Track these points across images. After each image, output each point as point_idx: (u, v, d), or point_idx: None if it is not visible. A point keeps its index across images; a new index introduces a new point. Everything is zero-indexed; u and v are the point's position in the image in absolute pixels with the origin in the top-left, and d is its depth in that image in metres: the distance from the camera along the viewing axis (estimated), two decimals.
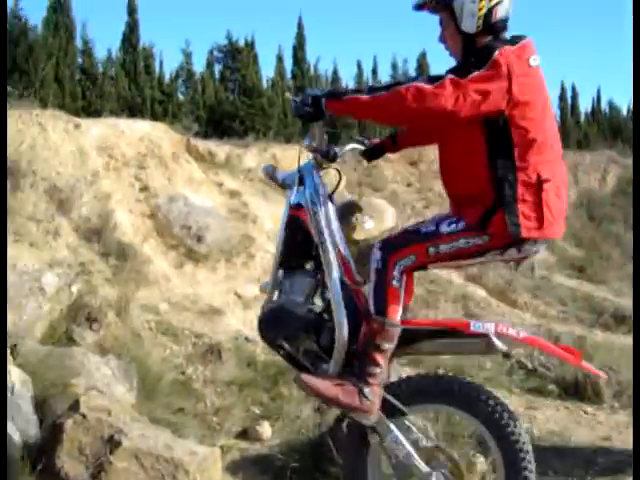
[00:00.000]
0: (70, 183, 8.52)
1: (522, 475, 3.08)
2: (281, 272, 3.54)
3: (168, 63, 47.26)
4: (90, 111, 15.76)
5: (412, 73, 23.02)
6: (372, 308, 3.24)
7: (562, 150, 3.27)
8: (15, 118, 8.81)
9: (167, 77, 19.69)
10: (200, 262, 9.12)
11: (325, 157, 3.50)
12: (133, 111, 16.48)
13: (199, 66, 22.17)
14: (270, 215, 10.43)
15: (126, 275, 7.90)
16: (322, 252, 3.35)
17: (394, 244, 3.29)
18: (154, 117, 15.55)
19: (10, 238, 7.44)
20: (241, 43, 20.84)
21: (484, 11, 3.05)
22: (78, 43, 17.90)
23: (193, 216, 9.35)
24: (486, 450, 3.67)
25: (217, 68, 20.99)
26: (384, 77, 24.00)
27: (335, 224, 3.44)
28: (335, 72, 22.52)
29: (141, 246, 8.68)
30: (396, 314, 3.21)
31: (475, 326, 3.16)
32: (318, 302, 3.48)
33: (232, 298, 8.97)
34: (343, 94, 3.19)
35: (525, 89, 3.01)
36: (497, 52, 2.98)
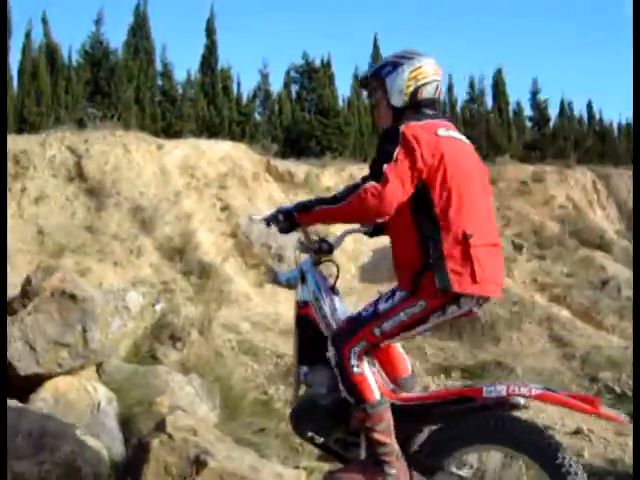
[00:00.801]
0: (153, 203, 8.65)
1: None
2: (304, 368, 3.56)
3: (246, 84, 48.13)
4: (170, 132, 16.02)
5: (489, 90, 22.86)
6: (351, 400, 3.27)
7: (493, 217, 3.42)
8: (99, 139, 9.01)
9: (245, 98, 19.92)
10: None
11: (320, 252, 3.62)
12: (212, 132, 16.67)
13: (276, 86, 22.33)
14: (350, 235, 10.37)
15: (208, 294, 7.95)
16: (332, 355, 3.34)
17: (342, 335, 3.31)
18: (232, 137, 15.68)
19: (95, 257, 7.57)
20: (317, 63, 20.96)
21: (411, 89, 3.35)
22: (158, 66, 18.28)
23: (273, 236, 9.36)
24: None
25: (294, 88, 21.15)
26: (460, 95, 23.85)
27: (340, 313, 3.48)
28: None
29: (222, 265, 8.74)
30: (373, 396, 3.22)
31: (488, 392, 3.14)
32: (342, 388, 3.37)
33: None
34: (312, 207, 3.35)
35: (437, 151, 3.18)
36: (402, 129, 3.20)
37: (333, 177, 12.90)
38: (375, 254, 10.96)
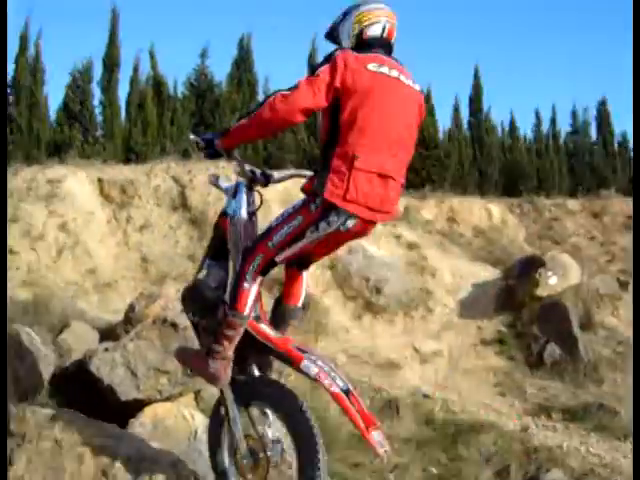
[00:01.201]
0: None
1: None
2: (209, 260, 4.04)
3: None
4: (271, 163, 16.25)
5: (592, 122, 22.30)
6: (227, 301, 3.69)
7: (408, 154, 3.64)
8: (203, 170, 9.18)
9: None
10: (378, 314, 9.07)
11: (254, 182, 3.96)
12: (312, 162, 16.83)
13: None
14: (449, 268, 10.26)
15: (306, 325, 7.94)
16: (230, 256, 3.85)
17: (247, 249, 3.69)
18: None
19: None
20: None
21: (356, 31, 3.70)
22: (260, 97, 18.59)
23: (372, 268, 9.34)
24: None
25: None
26: (563, 126, 23.31)
27: (243, 235, 3.83)
28: (512, 122, 22.11)
29: (321, 297, 8.74)
30: (243, 309, 3.60)
31: (304, 365, 3.51)
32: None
33: (410, 352, 8.84)
34: (228, 128, 3.68)
35: (358, 84, 3.44)
36: (337, 52, 3.52)
37: (433, 210, 12.80)
38: (475, 288, 10.77)
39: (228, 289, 3.74)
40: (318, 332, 8.02)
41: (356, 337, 8.56)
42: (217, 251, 4.00)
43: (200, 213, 8.45)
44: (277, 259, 3.63)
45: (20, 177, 10.09)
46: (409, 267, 10.13)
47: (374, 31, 3.71)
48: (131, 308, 6.48)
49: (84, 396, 4.69)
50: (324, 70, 3.45)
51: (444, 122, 21.12)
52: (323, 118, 3.55)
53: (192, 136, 3.87)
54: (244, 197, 3.91)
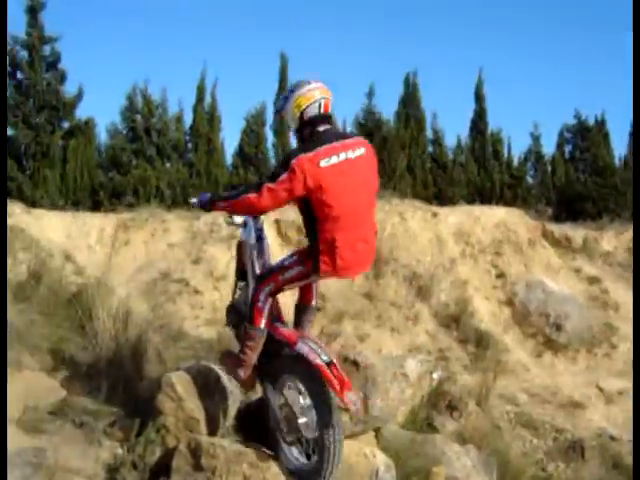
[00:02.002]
0: (429, 270, 8.75)
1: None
2: (241, 283, 5.07)
3: (516, 147, 47.52)
4: (441, 198, 16.21)
5: None
6: (247, 317, 4.65)
7: (367, 221, 4.37)
8: (377, 208, 9.29)
9: (516, 161, 19.68)
10: (559, 352, 8.80)
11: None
12: (483, 196, 16.65)
13: (548, 148, 21.82)
14: (633, 302, 9.78)
15: (484, 363, 7.84)
16: (248, 272, 4.92)
17: (260, 277, 4.72)
18: (504, 201, 15.53)
19: (373, 323, 7.75)
20: (591, 121, 20.30)
21: (297, 115, 4.38)
22: (428, 133, 18.66)
23: (551, 304, 9.08)
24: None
25: (567, 149, 20.56)
26: None
27: (257, 263, 4.88)
28: None
29: (499, 334, 8.60)
30: (259, 323, 4.55)
31: (298, 347, 4.37)
32: None
33: (594, 391, 8.49)
34: (218, 200, 4.61)
35: (317, 182, 4.13)
36: (293, 161, 4.15)
37: (612, 241, 12.30)
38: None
39: (247, 309, 4.69)
40: (497, 371, 7.85)
41: (536, 375, 8.32)
42: (240, 272, 5.04)
43: (376, 251, 8.52)
44: (285, 288, 4.61)
45: (202, 221, 10.59)
46: (590, 302, 9.78)
47: (312, 111, 4.38)
48: None
49: (267, 432, 4.84)
50: (284, 179, 4.17)
51: (620, 149, 20.35)
52: (299, 212, 4.37)
53: (191, 200, 4.95)
54: (252, 226, 4.95)
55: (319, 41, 49.07)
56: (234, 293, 5.10)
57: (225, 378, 5.60)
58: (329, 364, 4.19)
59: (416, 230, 9.27)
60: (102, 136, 18.35)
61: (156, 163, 17.01)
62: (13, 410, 5.33)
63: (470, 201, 15.20)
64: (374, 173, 4.44)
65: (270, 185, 4.19)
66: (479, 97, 19.16)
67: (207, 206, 4.73)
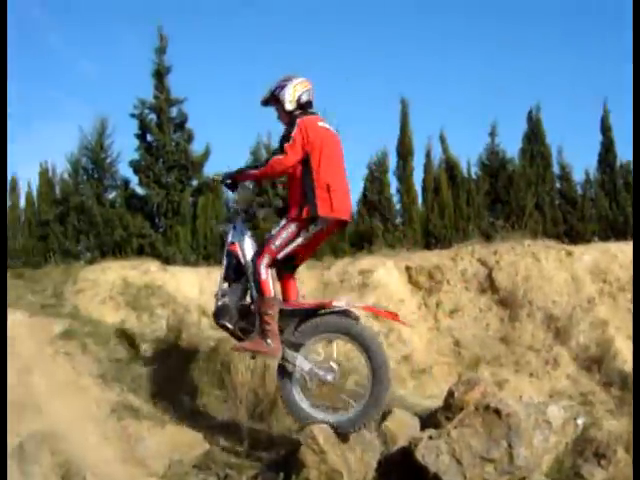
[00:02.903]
0: (566, 311, 8.50)
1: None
2: (225, 285, 5.71)
3: None
4: (572, 235, 15.77)
5: None
6: (256, 294, 5.44)
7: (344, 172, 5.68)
8: (508, 250, 9.15)
9: None
10: None
11: (246, 215, 5.95)
12: (616, 231, 16.07)
13: None
14: None
15: (631, 407, 7.46)
16: (246, 269, 5.57)
17: (255, 255, 5.53)
18: None
19: (511, 368, 7.58)
20: None
21: (295, 97, 5.60)
22: (555, 169, 18.21)
23: None
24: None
25: None
26: None
27: (251, 253, 5.62)
28: None
29: None
30: (269, 292, 5.35)
31: (336, 304, 5.34)
32: (248, 299, 5.65)
33: None
34: (245, 170, 5.77)
35: (316, 139, 5.41)
36: (299, 122, 5.43)
37: None
38: None
39: (252, 284, 5.48)
40: None
41: None
42: (234, 273, 5.65)
43: (509, 294, 8.40)
44: (279, 257, 5.43)
45: (333, 270, 10.70)
46: None
47: (305, 97, 5.70)
48: (450, 394, 6.52)
49: None
50: (296, 134, 5.38)
51: None
52: (300, 165, 5.44)
53: (213, 175, 6.05)
54: (243, 227, 5.78)
55: (438, 83, 49.08)
56: (219, 299, 5.68)
57: (365, 429, 5.60)
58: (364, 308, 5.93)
59: (550, 270, 9.04)
60: (229, 192, 18.92)
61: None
62: (158, 465, 5.50)
63: (603, 237, 14.73)
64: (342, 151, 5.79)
65: (289, 144, 5.38)
66: (605, 128, 18.59)
67: (232, 178, 5.78)
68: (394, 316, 5.80)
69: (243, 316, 5.56)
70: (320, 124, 5.58)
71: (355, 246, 16.70)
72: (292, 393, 5.39)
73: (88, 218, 17.81)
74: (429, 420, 6.61)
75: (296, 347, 5.36)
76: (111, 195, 18.82)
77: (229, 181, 5.79)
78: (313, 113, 5.69)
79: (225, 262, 5.74)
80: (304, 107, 5.67)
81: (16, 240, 18.39)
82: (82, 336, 7.31)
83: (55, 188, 19.26)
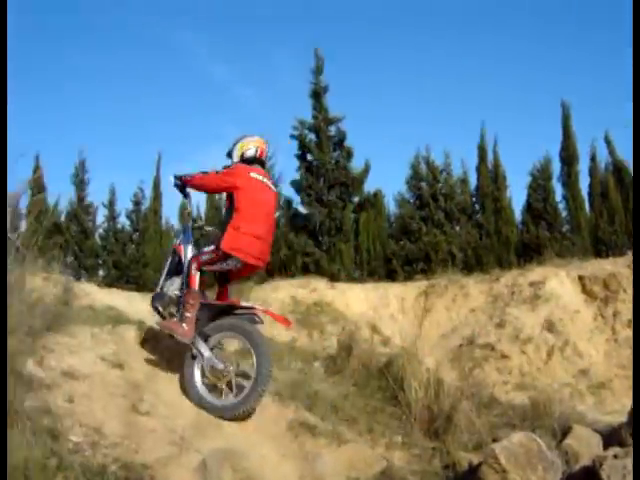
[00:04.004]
0: None
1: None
2: (167, 279, 6.45)
3: None
4: None
5: None
6: (185, 285, 6.20)
7: (270, 227, 6.27)
8: None
9: None
10: None
11: (196, 225, 6.89)
12: None
13: None
14: None
15: None
16: (184, 266, 6.32)
17: (191, 260, 6.24)
18: None
19: None
20: None
21: (239, 154, 6.37)
22: None
23: None
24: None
25: None
26: None
27: (190, 255, 6.35)
28: None
29: None
30: (194, 286, 6.07)
31: (243, 305, 6.14)
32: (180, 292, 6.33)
33: None
34: (191, 174, 6.44)
35: (243, 184, 6.08)
36: (234, 165, 6.29)
37: None
38: None
39: (184, 277, 6.25)
40: None
41: None
42: (174, 268, 6.47)
43: None
44: (205, 268, 6.21)
45: (502, 283, 10.47)
46: None
47: (250, 153, 6.39)
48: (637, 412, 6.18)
49: None
50: (227, 173, 6.17)
51: None
52: (226, 202, 6.29)
53: (172, 175, 6.63)
54: (190, 233, 6.61)
55: (599, 81, 47.27)
56: (162, 285, 6.49)
57: (546, 448, 5.40)
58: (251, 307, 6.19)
59: None
60: (390, 206, 19.01)
61: (445, 227, 17.19)
62: None
63: None
64: (274, 210, 6.45)
65: (217, 173, 6.23)
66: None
67: (181, 181, 6.44)
68: (287, 323, 6.64)
69: (175, 303, 6.38)
70: (252, 174, 6.22)
71: (521, 256, 16.36)
72: (193, 375, 6.08)
73: None
74: (612, 437, 6.30)
75: (205, 337, 6.13)
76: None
77: (179, 183, 6.47)
78: (252, 164, 6.36)
79: (170, 258, 6.68)
80: (247, 161, 6.37)
81: None
82: None
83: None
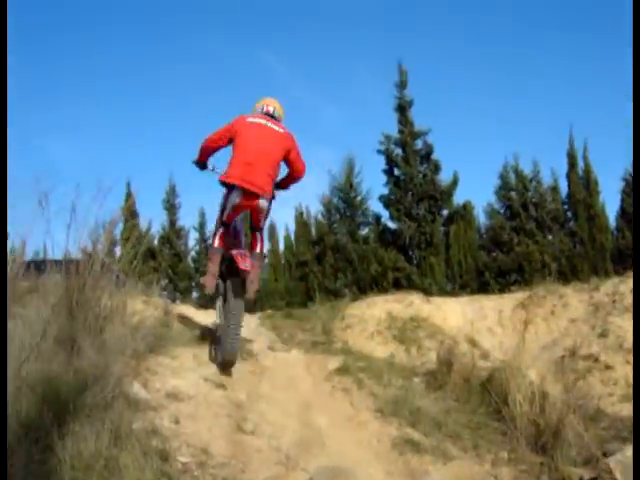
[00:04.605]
0: None
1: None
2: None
3: None
4: None
5: None
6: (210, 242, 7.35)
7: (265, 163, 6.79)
8: None
9: None
10: None
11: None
12: None
13: None
14: None
15: None
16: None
17: (219, 215, 7.11)
18: None
19: None
20: None
21: (255, 110, 7.23)
22: None
23: None
24: None
25: None
26: None
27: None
28: None
29: None
30: (215, 244, 6.93)
31: (232, 253, 6.77)
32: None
33: None
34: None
35: (240, 128, 6.83)
36: (234, 118, 6.97)
37: None
38: None
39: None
40: None
41: None
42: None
43: None
44: (224, 219, 6.93)
45: (602, 291, 10.19)
46: None
47: (258, 110, 7.13)
48: None
49: None
50: (228, 124, 6.87)
51: None
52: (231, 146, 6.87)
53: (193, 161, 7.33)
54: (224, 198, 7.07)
55: None
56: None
57: None
58: (241, 255, 6.66)
59: None
60: (480, 218, 18.82)
61: (537, 237, 16.91)
62: None
63: None
64: (279, 147, 6.88)
65: (220, 128, 6.93)
66: None
67: (196, 163, 7.26)
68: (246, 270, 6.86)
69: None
70: (251, 119, 6.92)
71: (617, 263, 15.93)
72: (220, 305, 7.06)
73: (344, 255, 18.47)
74: None
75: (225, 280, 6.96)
76: (364, 231, 19.47)
77: (197, 161, 7.24)
78: (260, 115, 7.06)
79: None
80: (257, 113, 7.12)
81: (278, 282, 19.43)
82: (356, 371, 7.47)
83: (311, 229, 20.20)
